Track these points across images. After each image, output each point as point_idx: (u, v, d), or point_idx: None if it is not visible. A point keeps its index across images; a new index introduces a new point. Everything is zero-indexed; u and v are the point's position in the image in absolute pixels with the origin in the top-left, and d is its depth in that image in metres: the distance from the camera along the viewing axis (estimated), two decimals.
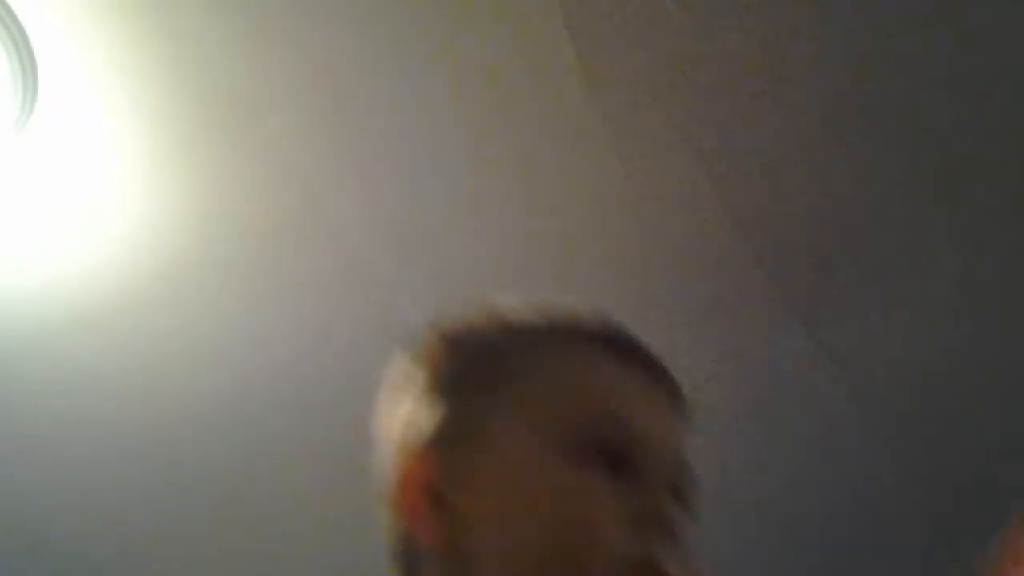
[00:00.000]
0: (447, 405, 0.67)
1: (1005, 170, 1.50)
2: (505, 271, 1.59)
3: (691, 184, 1.49)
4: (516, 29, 1.33)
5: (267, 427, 1.75)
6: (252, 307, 1.59)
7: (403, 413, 0.70)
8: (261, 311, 1.60)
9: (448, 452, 0.64)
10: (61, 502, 1.80)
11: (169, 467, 1.77)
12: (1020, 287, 1.64)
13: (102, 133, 1.36)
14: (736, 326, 1.67)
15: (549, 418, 0.63)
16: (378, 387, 1.77)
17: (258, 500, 1.85)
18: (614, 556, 0.58)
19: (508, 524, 0.60)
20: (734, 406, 1.77)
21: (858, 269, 1.61)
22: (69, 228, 1.45)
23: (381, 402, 0.73)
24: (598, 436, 0.62)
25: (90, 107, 1.34)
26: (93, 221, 1.45)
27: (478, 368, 0.68)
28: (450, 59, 1.35)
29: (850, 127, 1.44)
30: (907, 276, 1.62)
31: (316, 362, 1.67)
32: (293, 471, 1.81)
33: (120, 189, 1.42)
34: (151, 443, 1.73)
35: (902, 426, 1.82)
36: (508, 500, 0.61)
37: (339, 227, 1.51)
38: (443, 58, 1.35)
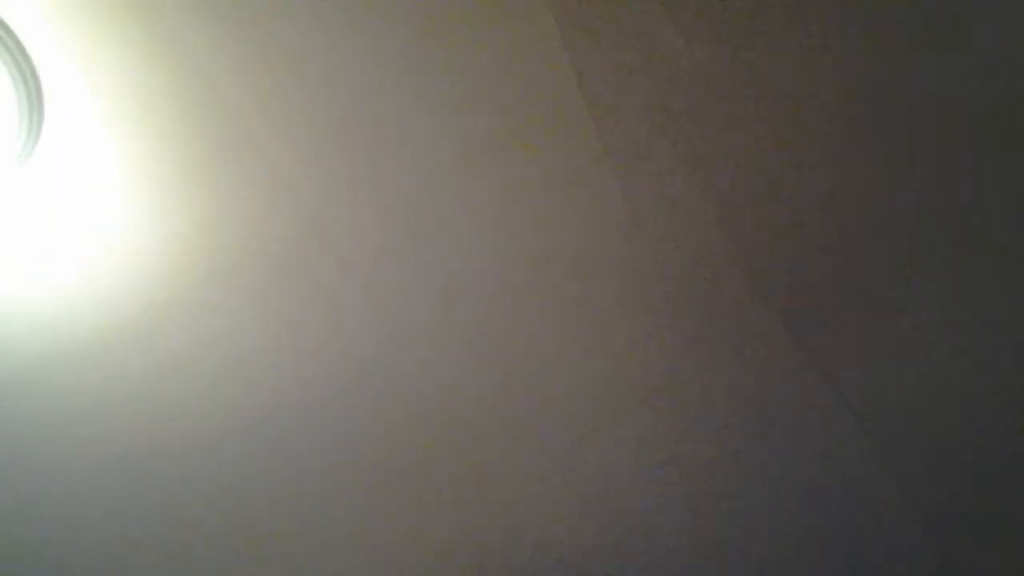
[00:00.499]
0: None
1: (1004, 181, 1.50)
2: (508, 288, 1.59)
3: (687, 200, 1.50)
4: (515, 48, 1.34)
5: (272, 444, 1.75)
6: (255, 327, 1.60)
7: None
8: (264, 330, 1.60)
9: None
10: (62, 516, 1.80)
11: (173, 482, 1.77)
12: (1018, 298, 1.65)
13: (107, 163, 1.38)
14: (731, 340, 1.67)
15: None
16: (379, 405, 1.77)
17: (257, 521, 1.85)
18: None
19: None
20: (728, 419, 1.78)
21: (854, 283, 1.62)
22: (73, 256, 1.46)
23: None
24: None
25: (96, 137, 1.35)
26: (97, 248, 1.46)
27: None
28: (450, 83, 1.36)
29: (847, 141, 1.45)
30: (903, 289, 1.62)
31: (319, 379, 1.67)
32: (298, 487, 1.81)
33: (124, 217, 1.43)
34: (154, 461, 1.73)
35: (898, 439, 1.82)
36: None
37: (340, 246, 1.52)
38: (443, 81, 1.36)
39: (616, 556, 1.95)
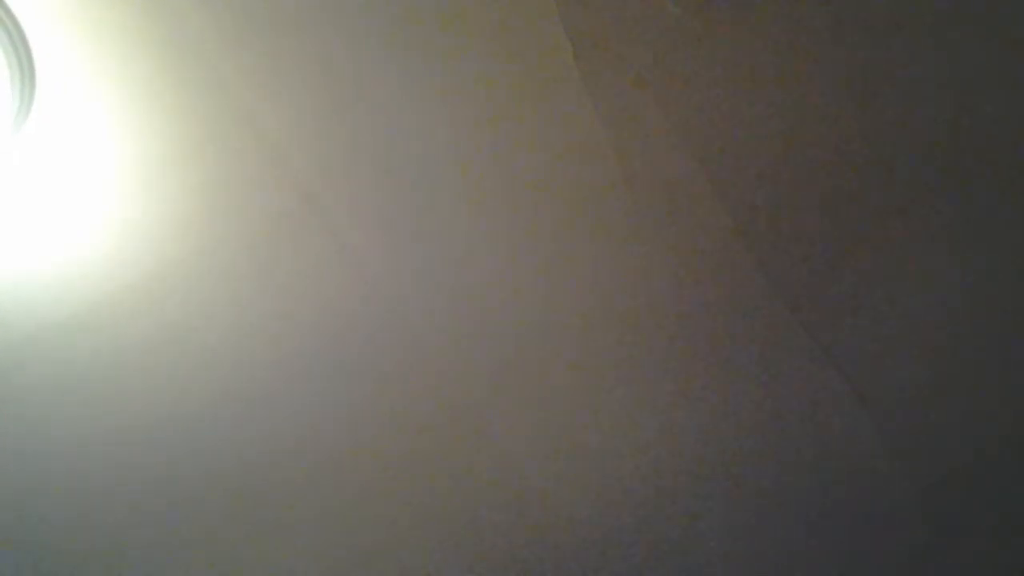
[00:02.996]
0: None
1: (1006, 169, 1.50)
2: (505, 264, 1.59)
3: (690, 187, 1.49)
4: (512, 29, 1.33)
5: (264, 424, 1.75)
6: (248, 305, 1.60)
7: None
8: (258, 305, 1.60)
9: None
10: (58, 501, 1.80)
11: (162, 467, 1.78)
12: (1018, 280, 1.65)
13: (100, 132, 1.37)
14: (735, 328, 1.67)
15: None
16: (374, 384, 1.77)
17: (255, 496, 1.86)
18: None
19: None
20: (733, 407, 1.78)
21: (859, 271, 1.62)
22: (66, 226, 1.46)
23: None
24: None
25: (88, 106, 1.34)
26: (90, 219, 1.45)
27: None
28: (447, 61, 1.36)
29: (851, 126, 1.44)
30: (907, 277, 1.62)
31: (312, 359, 1.67)
32: (293, 464, 1.82)
33: (117, 187, 1.43)
34: (144, 440, 1.74)
35: (899, 418, 1.83)
36: None
37: (335, 225, 1.52)
38: (440, 60, 1.35)
39: (621, 538, 1.95)
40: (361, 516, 1.88)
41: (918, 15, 1.32)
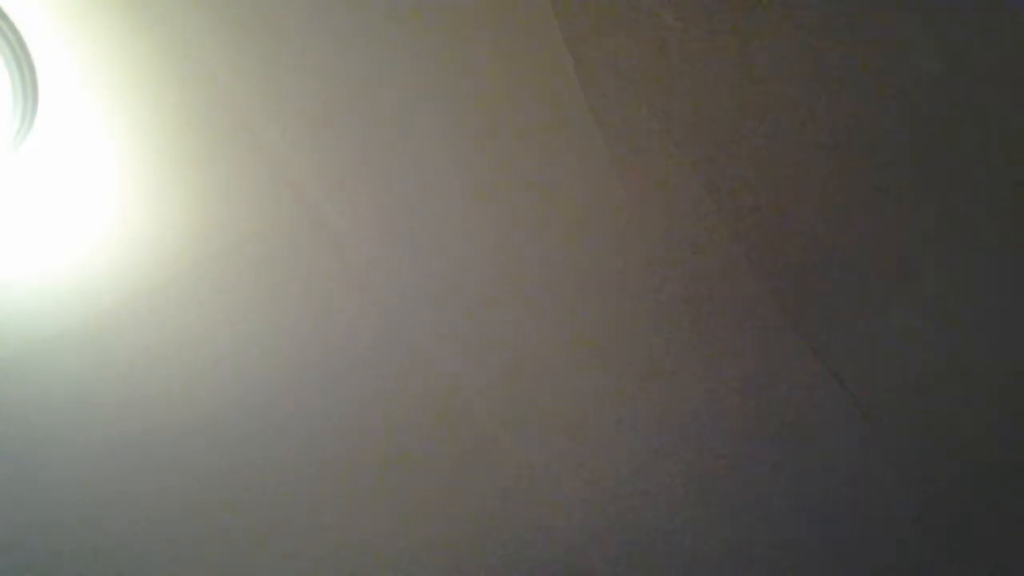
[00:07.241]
0: None
1: (1005, 170, 1.51)
2: (501, 279, 1.59)
3: (687, 192, 1.49)
4: (511, 37, 1.33)
5: (265, 435, 1.75)
6: (248, 315, 1.60)
7: None
8: (259, 317, 1.60)
9: None
10: (59, 508, 1.80)
11: (165, 475, 1.78)
12: (1017, 289, 1.65)
13: (102, 148, 1.37)
14: (731, 331, 1.68)
15: None
16: (373, 394, 1.77)
17: (254, 507, 1.85)
18: None
19: None
20: (728, 409, 1.78)
21: (854, 274, 1.62)
22: (67, 242, 1.45)
23: None
24: None
25: (91, 123, 1.34)
26: (91, 235, 1.46)
27: None
28: (446, 70, 1.36)
29: (845, 131, 1.45)
30: (903, 280, 1.63)
31: (313, 370, 1.67)
32: (292, 474, 1.82)
33: (119, 203, 1.43)
34: (146, 452, 1.74)
35: (895, 426, 1.83)
36: None
37: (336, 237, 1.52)
38: (441, 71, 1.36)
39: (611, 544, 1.95)
40: (360, 524, 1.88)
41: (917, 18, 1.33)
